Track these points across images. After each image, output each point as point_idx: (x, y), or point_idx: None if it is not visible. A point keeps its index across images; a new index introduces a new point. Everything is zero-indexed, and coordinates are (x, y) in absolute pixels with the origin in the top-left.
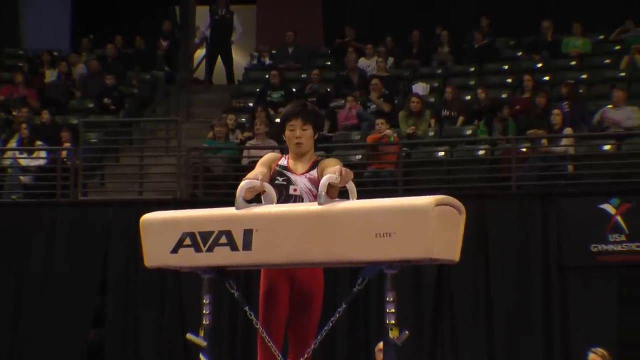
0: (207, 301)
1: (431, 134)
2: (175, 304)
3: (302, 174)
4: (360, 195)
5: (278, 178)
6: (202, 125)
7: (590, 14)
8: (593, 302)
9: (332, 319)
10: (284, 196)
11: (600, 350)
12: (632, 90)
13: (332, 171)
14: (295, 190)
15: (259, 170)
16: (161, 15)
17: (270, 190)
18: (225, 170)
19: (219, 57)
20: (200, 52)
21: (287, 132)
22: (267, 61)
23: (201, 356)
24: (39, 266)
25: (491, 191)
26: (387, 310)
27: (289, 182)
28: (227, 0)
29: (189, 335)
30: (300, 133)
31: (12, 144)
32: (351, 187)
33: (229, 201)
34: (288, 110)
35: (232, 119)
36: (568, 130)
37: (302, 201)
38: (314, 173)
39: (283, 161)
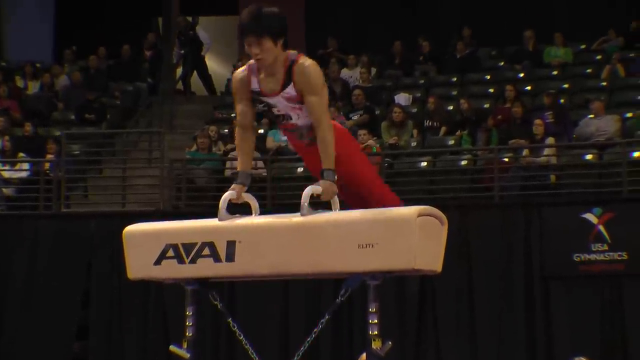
0: (191, 313)
1: (414, 144)
2: (158, 315)
3: (277, 94)
4: (343, 206)
5: (258, 105)
6: (185, 136)
7: (572, 24)
8: (576, 311)
9: (315, 329)
10: (273, 117)
11: (583, 359)
12: (612, 100)
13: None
14: (279, 111)
15: (240, 108)
16: (144, 26)
17: (253, 201)
18: (208, 182)
19: (195, 72)
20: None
21: (246, 48)
22: None
23: None
24: (22, 278)
25: (474, 201)
26: (370, 321)
27: (269, 106)
28: (186, 20)
29: (172, 347)
30: (257, 49)
31: None
32: (334, 198)
33: (212, 212)
34: (239, 23)
35: (215, 130)
36: (550, 140)
37: (291, 119)
38: (289, 90)
39: (254, 84)
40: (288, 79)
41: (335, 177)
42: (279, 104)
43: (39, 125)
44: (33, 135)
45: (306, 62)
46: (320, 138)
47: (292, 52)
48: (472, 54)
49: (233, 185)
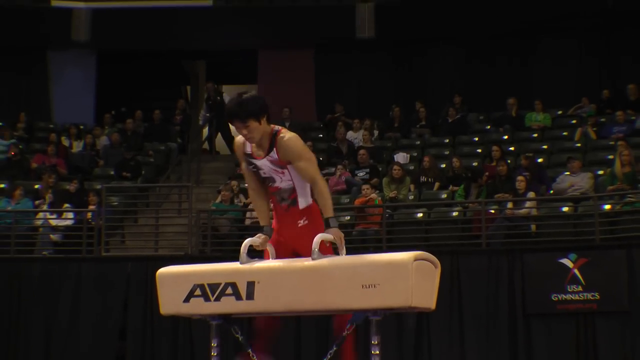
0: (215, 344)
1: (411, 197)
2: (187, 347)
3: (263, 157)
4: (349, 252)
5: (249, 167)
6: (210, 190)
7: (550, 92)
8: (554, 344)
9: (324, 359)
10: (261, 179)
11: None
12: (586, 159)
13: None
14: (264, 173)
15: (243, 168)
16: (174, 94)
17: (270, 247)
18: (230, 230)
19: (219, 134)
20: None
21: (236, 129)
22: None
23: None
24: (67, 314)
25: (464, 247)
26: (372, 352)
27: (257, 167)
28: (214, 86)
29: None
30: (245, 131)
31: (44, 206)
32: (341, 243)
33: (234, 257)
34: (226, 112)
35: (236, 184)
36: (531, 194)
37: (274, 181)
38: (273, 155)
39: (247, 148)
40: (271, 146)
41: (337, 223)
42: (264, 166)
43: (82, 179)
44: (77, 188)
45: (286, 135)
46: (318, 193)
47: (275, 127)
48: (462, 118)
49: (259, 234)
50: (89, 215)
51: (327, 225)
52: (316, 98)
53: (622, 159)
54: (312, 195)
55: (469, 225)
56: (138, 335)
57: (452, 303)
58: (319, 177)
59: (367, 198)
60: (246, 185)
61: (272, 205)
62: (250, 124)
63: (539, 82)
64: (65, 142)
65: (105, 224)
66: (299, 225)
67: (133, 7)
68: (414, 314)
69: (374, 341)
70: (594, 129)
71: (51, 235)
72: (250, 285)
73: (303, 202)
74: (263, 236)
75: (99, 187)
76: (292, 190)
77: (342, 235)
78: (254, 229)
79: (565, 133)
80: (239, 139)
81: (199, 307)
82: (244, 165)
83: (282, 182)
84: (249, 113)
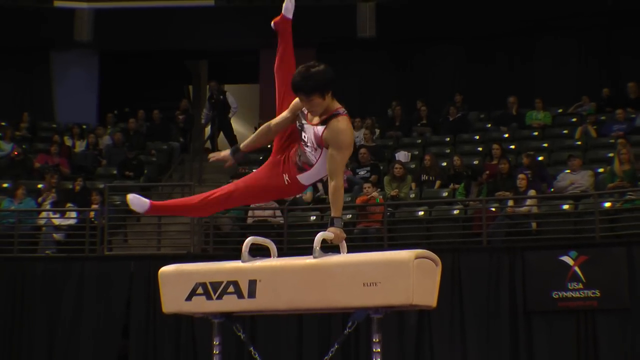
0: (217, 342)
1: (412, 195)
2: (189, 345)
3: (313, 124)
4: (350, 250)
5: (297, 122)
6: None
7: (550, 91)
8: (555, 342)
9: (325, 357)
10: (300, 137)
11: None
12: (586, 157)
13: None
14: (305, 137)
15: (284, 115)
16: (177, 93)
17: (271, 245)
18: (232, 229)
19: (222, 132)
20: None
21: (299, 102)
22: None
23: None
24: (70, 312)
25: (464, 246)
26: (374, 350)
27: (302, 128)
28: (218, 85)
29: None
30: (307, 105)
31: (46, 205)
32: (342, 243)
33: (236, 255)
34: (292, 84)
35: None
36: (532, 192)
37: (307, 146)
38: (320, 129)
39: (305, 111)
40: (325, 122)
41: (342, 224)
42: (309, 132)
43: (85, 179)
44: (80, 188)
45: (342, 122)
46: (332, 189)
47: (340, 109)
48: (463, 117)
49: (228, 150)
50: (92, 214)
51: (330, 224)
52: None
53: (621, 157)
54: (324, 188)
55: (470, 224)
56: (141, 334)
57: (453, 301)
58: (339, 175)
59: (369, 196)
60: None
61: (285, 141)
62: (313, 99)
63: (540, 81)
64: (68, 141)
65: (108, 223)
66: (285, 178)
67: (135, 7)
68: (416, 311)
69: (375, 339)
70: (594, 127)
71: (54, 235)
72: (252, 283)
73: (305, 179)
74: (228, 152)
75: (101, 186)
76: (310, 165)
77: (344, 236)
78: (257, 228)
79: (565, 131)
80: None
81: (201, 305)
82: (288, 113)
83: (309, 154)
84: (314, 87)
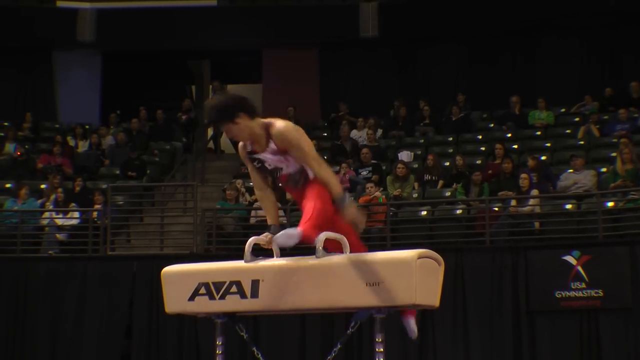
0: (220, 342)
1: (415, 195)
2: (192, 345)
3: (264, 151)
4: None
5: (255, 164)
6: (215, 189)
7: (553, 90)
8: (558, 341)
9: (328, 357)
10: (269, 173)
11: None
12: (589, 157)
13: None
14: (269, 165)
15: (250, 170)
16: (180, 93)
17: (275, 247)
18: (235, 228)
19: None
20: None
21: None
22: None
23: None
24: (72, 313)
25: (467, 245)
26: (377, 350)
27: (262, 162)
28: (220, 85)
29: None
30: (229, 135)
31: (49, 205)
32: (344, 242)
33: (239, 255)
34: (208, 117)
35: (241, 183)
36: (535, 192)
37: (282, 169)
38: (271, 146)
39: (248, 147)
40: (268, 138)
41: (348, 196)
42: (268, 159)
43: (87, 179)
44: (80, 188)
45: (278, 125)
46: (320, 177)
47: (265, 120)
48: (466, 116)
49: (266, 234)
50: (95, 214)
51: (340, 205)
52: (320, 97)
53: (624, 156)
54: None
55: (473, 223)
56: (143, 334)
57: (456, 300)
58: (316, 161)
59: (372, 196)
60: (251, 184)
61: (289, 192)
62: (231, 126)
63: (542, 81)
64: (70, 142)
65: (110, 223)
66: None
67: (138, 8)
68: (419, 311)
69: (378, 339)
70: (597, 126)
71: (57, 235)
72: (255, 283)
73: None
74: (270, 235)
75: (104, 186)
76: (302, 169)
77: (356, 207)
78: (259, 228)
79: (568, 131)
80: (241, 142)
81: (204, 305)
82: (250, 166)
83: (289, 167)
84: (224, 116)
